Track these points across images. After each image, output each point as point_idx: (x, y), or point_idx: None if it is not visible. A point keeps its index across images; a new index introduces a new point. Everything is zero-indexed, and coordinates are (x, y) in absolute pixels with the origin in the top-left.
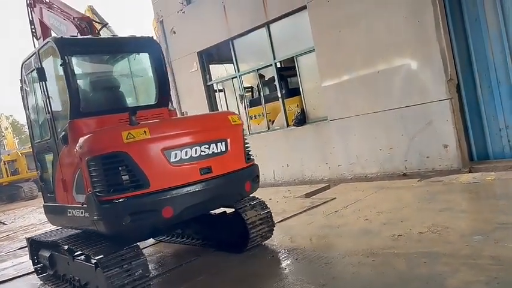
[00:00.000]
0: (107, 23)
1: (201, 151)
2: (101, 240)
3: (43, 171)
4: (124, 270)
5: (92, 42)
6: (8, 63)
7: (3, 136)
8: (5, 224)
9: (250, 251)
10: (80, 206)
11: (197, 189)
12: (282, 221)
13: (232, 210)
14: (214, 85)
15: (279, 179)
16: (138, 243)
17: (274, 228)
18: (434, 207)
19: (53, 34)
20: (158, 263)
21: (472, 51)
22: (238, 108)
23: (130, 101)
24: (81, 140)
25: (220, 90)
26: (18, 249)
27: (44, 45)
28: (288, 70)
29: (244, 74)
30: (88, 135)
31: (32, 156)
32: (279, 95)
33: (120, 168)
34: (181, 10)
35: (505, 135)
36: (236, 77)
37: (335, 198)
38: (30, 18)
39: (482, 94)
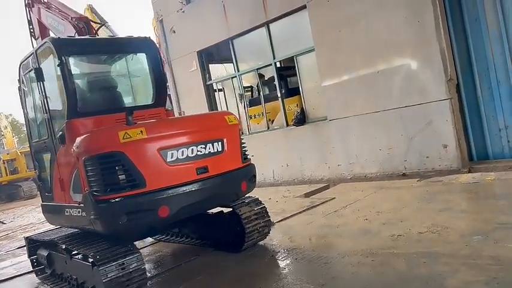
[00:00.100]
0: (106, 22)
1: (198, 151)
2: (98, 240)
3: (41, 171)
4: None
5: (89, 42)
6: (7, 62)
7: (2, 135)
8: (4, 223)
9: (249, 250)
10: (77, 205)
11: (193, 189)
12: (281, 220)
13: (229, 209)
14: (214, 84)
15: (279, 179)
16: (135, 243)
17: (272, 225)
18: (433, 207)
19: (51, 34)
20: (157, 263)
21: (472, 52)
22: (237, 107)
23: (127, 101)
24: (78, 139)
25: (220, 90)
26: (17, 248)
27: (41, 45)
28: (287, 70)
29: (243, 73)
30: (85, 135)
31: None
32: (279, 95)
33: (116, 168)
34: (181, 9)
35: (505, 135)
36: (236, 76)
37: (334, 198)
38: (29, 18)
39: (482, 94)
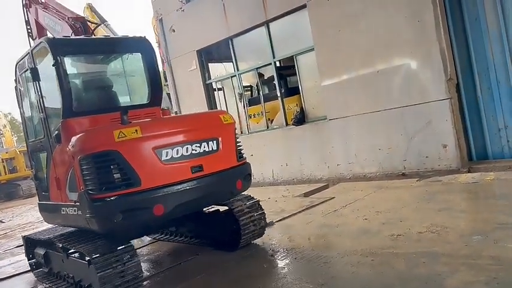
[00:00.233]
0: (106, 21)
1: (192, 150)
2: (94, 238)
3: (37, 170)
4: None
5: (85, 42)
6: (7, 61)
7: (1, 134)
8: (3, 222)
9: (248, 250)
10: (73, 204)
11: (188, 187)
12: (280, 220)
13: (225, 208)
14: (214, 84)
15: (278, 178)
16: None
17: (271, 225)
18: (433, 207)
19: (49, 34)
20: (156, 262)
21: (472, 51)
22: (237, 107)
23: (123, 101)
24: (74, 138)
25: (219, 89)
26: (16, 247)
27: (37, 45)
28: (287, 69)
29: (243, 72)
30: (80, 134)
31: None
32: (278, 94)
33: (111, 167)
34: (181, 8)
35: (504, 135)
36: (235, 75)
37: (334, 197)
38: (26, 19)
39: (482, 94)
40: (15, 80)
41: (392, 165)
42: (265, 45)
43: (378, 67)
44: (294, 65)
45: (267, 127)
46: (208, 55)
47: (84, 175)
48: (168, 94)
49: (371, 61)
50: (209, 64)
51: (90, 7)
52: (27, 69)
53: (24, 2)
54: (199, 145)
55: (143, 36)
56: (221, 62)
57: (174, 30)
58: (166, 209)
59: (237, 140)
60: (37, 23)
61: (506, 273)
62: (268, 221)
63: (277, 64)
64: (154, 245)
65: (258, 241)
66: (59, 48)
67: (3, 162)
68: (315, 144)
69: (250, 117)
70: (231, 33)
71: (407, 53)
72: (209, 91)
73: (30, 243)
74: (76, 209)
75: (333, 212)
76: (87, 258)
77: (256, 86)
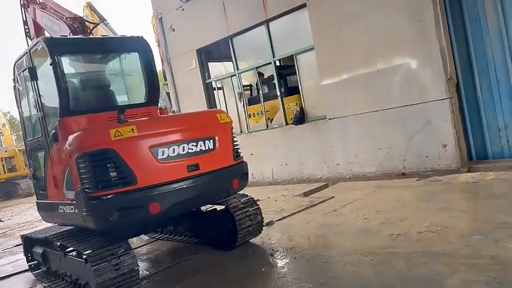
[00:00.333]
0: (105, 20)
1: (189, 149)
2: (90, 236)
3: (35, 169)
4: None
5: (82, 41)
6: (6, 60)
7: (0, 133)
8: (2, 221)
9: (248, 249)
10: (70, 202)
11: (184, 186)
12: (280, 219)
13: (222, 207)
14: (213, 83)
15: (278, 178)
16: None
17: (271, 224)
18: (433, 207)
19: (47, 34)
20: (155, 261)
21: (472, 51)
22: (237, 106)
23: (120, 100)
24: (71, 137)
25: (219, 88)
26: (15, 246)
27: (34, 44)
28: (287, 68)
29: (243, 72)
30: (77, 133)
31: None
32: (278, 94)
33: (108, 165)
34: (181, 7)
35: (504, 135)
36: (235, 75)
37: (333, 197)
38: (24, 19)
39: (482, 94)
40: (14, 80)
41: (392, 164)
42: (265, 45)
43: (377, 66)
44: (294, 65)
45: (267, 126)
46: (208, 54)
47: (80, 173)
48: (168, 93)
49: (371, 60)
50: (209, 63)
51: (90, 6)
52: (25, 69)
53: (22, 2)
54: (195, 144)
55: (140, 36)
56: (221, 61)
57: (173, 29)
58: (163, 208)
59: (234, 139)
60: (35, 23)
61: (506, 273)
62: (267, 220)
63: (277, 63)
64: (153, 244)
65: (257, 241)
66: (56, 47)
67: (2, 161)
68: (315, 144)
69: (250, 116)
70: (230, 33)
71: (407, 52)
72: (209, 90)
73: (29, 242)
74: (73, 207)
75: (332, 212)
76: (84, 257)
77: (256, 85)
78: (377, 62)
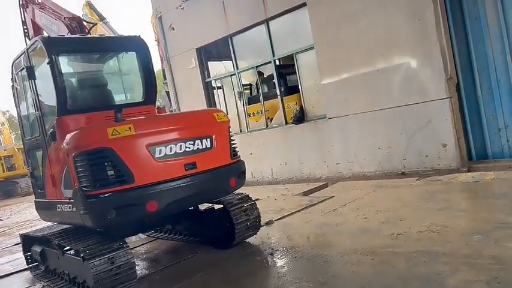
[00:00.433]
0: (105, 19)
1: (186, 147)
2: (88, 235)
3: (34, 168)
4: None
5: (80, 41)
6: (5, 60)
7: None
8: (1, 220)
9: (247, 248)
10: (68, 201)
11: (181, 184)
12: (280, 218)
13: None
14: (213, 82)
15: (277, 177)
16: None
17: (271, 223)
18: (433, 206)
19: (45, 34)
20: (155, 260)
21: (472, 50)
22: (236, 105)
23: (117, 99)
24: (68, 136)
25: (219, 87)
26: (14, 245)
27: (32, 44)
28: (287, 68)
29: (243, 71)
30: (74, 132)
31: None
32: (278, 93)
33: (105, 164)
34: (180, 6)
35: (504, 135)
36: (235, 74)
37: (333, 196)
38: (23, 19)
39: (482, 93)
40: (12, 79)
41: (392, 164)
42: (265, 44)
43: (377, 66)
44: (294, 64)
45: (267, 126)
46: (208, 53)
47: (78, 172)
48: (167, 92)
49: (371, 60)
50: (208, 62)
51: (89, 4)
52: (23, 68)
53: (21, 2)
54: (192, 143)
55: (138, 35)
56: (221, 60)
57: (173, 28)
58: (160, 206)
59: (231, 138)
60: (34, 23)
61: (507, 272)
62: (267, 219)
63: (277, 62)
64: (153, 243)
65: (257, 240)
66: (54, 47)
67: (1, 160)
68: (315, 143)
69: (250, 115)
70: (230, 32)
71: (407, 51)
72: (208, 89)
73: (28, 241)
74: (71, 205)
75: (332, 211)
76: (81, 255)
77: (256, 84)
78: (377, 62)
